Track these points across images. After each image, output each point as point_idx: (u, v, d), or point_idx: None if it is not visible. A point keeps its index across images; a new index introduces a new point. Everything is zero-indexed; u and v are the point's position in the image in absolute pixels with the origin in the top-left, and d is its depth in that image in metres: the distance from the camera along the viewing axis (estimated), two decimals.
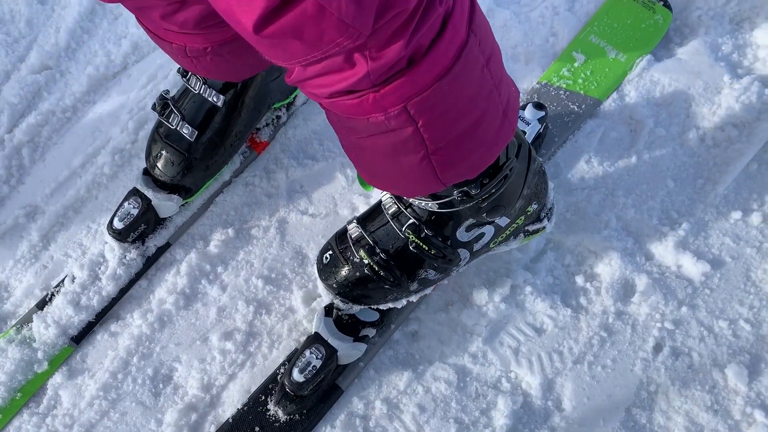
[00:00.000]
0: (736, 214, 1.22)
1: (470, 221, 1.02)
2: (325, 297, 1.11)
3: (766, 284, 1.16)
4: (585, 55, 1.40)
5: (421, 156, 0.82)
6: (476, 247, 1.07)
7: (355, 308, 1.12)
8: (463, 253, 1.06)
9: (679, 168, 1.27)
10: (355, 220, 1.08)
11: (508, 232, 1.09)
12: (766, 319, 1.14)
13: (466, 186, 0.93)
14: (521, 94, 1.38)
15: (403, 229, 1.01)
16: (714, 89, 1.34)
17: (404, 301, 1.10)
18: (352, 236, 1.06)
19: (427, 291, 1.11)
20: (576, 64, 1.39)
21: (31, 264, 1.30)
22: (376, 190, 1.06)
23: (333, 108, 0.78)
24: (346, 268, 1.06)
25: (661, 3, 1.42)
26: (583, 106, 1.34)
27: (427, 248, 1.02)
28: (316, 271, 1.10)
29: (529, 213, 1.08)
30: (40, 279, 1.28)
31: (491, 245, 1.10)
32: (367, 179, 0.94)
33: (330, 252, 1.08)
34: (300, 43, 0.66)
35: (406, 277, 1.04)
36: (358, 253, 1.05)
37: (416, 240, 1.01)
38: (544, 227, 1.14)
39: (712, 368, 1.11)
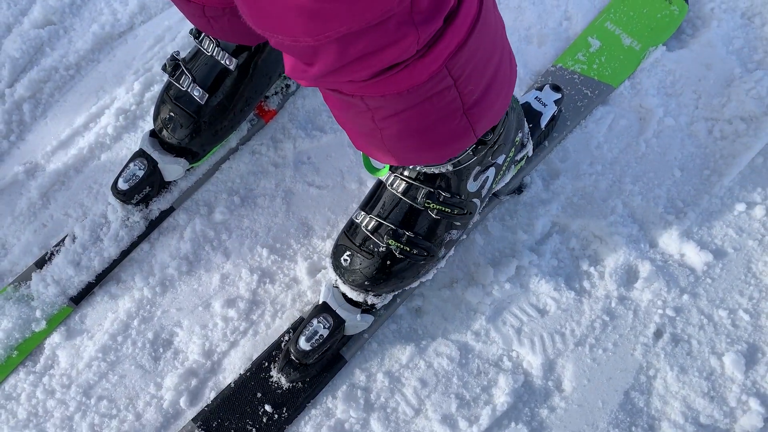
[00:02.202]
0: (740, 206, 1.23)
1: (477, 169, 1.02)
2: (356, 298, 1.08)
3: (766, 276, 1.18)
4: (600, 41, 1.40)
5: (459, 115, 0.82)
6: (483, 192, 1.08)
7: (389, 297, 1.11)
8: (476, 201, 1.07)
9: (687, 158, 1.28)
10: (362, 212, 1.05)
11: (504, 168, 1.10)
12: (765, 310, 1.16)
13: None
14: (536, 77, 1.38)
15: (420, 200, 1.01)
16: (724, 82, 1.35)
17: (434, 270, 1.11)
18: (368, 228, 1.04)
19: (451, 252, 1.12)
20: (591, 50, 1.39)
21: (29, 222, 1.27)
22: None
23: (369, 90, 0.76)
24: (373, 260, 1.04)
25: None
26: (596, 92, 1.34)
27: (449, 210, 1.03)
28: (336, 277, 1.07)
29: (516, 143, 1.10)
30: (39, 237, 1.26)
31: (493, 186, 1.11)
32: (391, 159, 0.92)
33: (348, 253, 1.05)
34: (346, 7, 0.63)
35: (435, 245, 1.05)
36: (382, 241, 1.03)
37: (437, 206, 1.01)
38: (528, 152, 1.15)
39: (710, 356, 1.13)
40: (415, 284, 1.12)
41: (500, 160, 1.07)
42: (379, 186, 1.05)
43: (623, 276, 1.19)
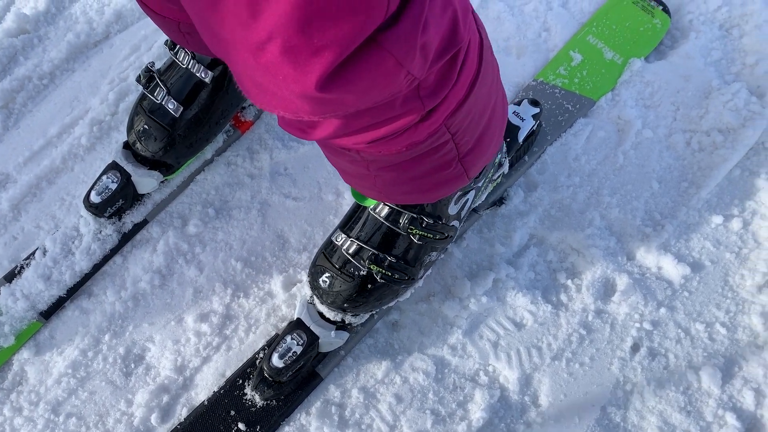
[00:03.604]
0: (718, 219, 1.23)
1: (458, 193, 1.02)
2: (333, 318, 1.07)
3: (743, 289, 1.18)
4: (582, 55, 1.39)
5: (454, 164, 0.83)
6: (463, 213, 1.08)
7: (366, 316, 1.10)
8: (456, 224, 1.07)
9: (665, 170, 1.28)
10: (342, 233, 1.04)
11: (483, 188, 1.10)
12: (742, 323, 1.15)
13: None
14: (515, 89, 1.38)
15: (402, 226, 1.00)
16: (702, 93, 1.35)
17: (412, 290, 1.10)
18: (349, 251, 1.02)
19: (429, 271, 1.11)
20: (573, 64, 1.38)
21: (0, 234, 1.25)
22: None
23: (369, 150, 0.75)
24: (353, 284, 1.02)
25: (661, 8, 1.42)
26: (578, 106, 1.34)
27: (431, 236, 1.02)
28: (315, 298, 1.07)
29: (495, 163, 1.10)
30: (9, 250, 1.24)
31: (471, 206, 1.10)
32: (381, 198, 0.92)
33: (327, 274, 1.04)
34: (356, 97, 0.61)
35: (416, 268, 1.04)
36: (364, 265, 1.02)
37: (420, 232, 1.00)
38: (504, 170, 1.15)
39: (687, 370, 1.12)
40: (392, 304, 1.11)
41: (480, 183, 1.07)
42: (359, 208, 1.04)
43: (600, 289, 1.18)
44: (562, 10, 1.44)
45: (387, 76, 0.59)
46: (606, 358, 1.14)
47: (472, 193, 1.06)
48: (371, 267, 1.01)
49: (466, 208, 1.07)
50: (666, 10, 1.42)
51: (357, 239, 1.01)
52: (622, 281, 1.18)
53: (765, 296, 1.17)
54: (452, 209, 1.03)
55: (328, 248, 1.05)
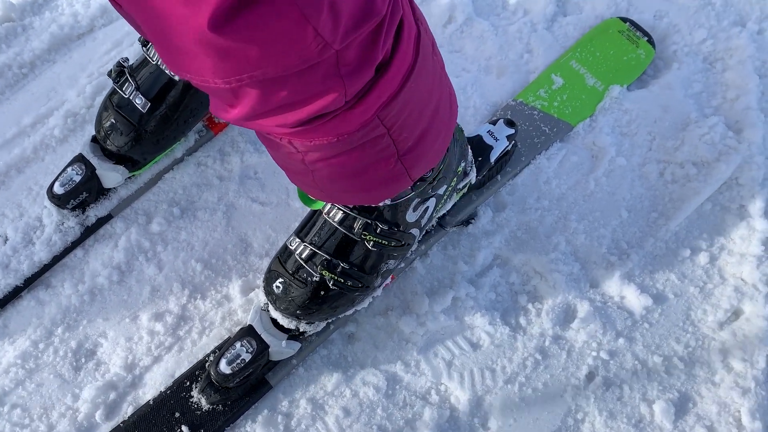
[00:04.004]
0: (685, 252, 1.22)
1: (417, 201, 1.00)
2: (287, 325, 1.06)
3: (704, 325, 1.16)
4: (563, 79, 1.38)
5: (393, 161, 0.80)
6: (423, 222, 1.06)
7: (322, 325, 1.09)
8: (415, 232, 1.05)
9: (635, 199, 1.27)
10: (297, 238, 1.03)
11: (445, 197, 1.08)
12: (700, 359, 1.14)
13: None
14: (492, 108, 1.37)
15: (356, 231, 0.98)
16: (680, 125, 1.34)
17: (370, 299, 1.09)
18: (302, 256, 1.01)
19: (388, 281, 1.10)
20: (553, 87, 1.38)
21: None
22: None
23: (297, 137, 0.73)
24: (306, 290, 1.01)
25: (646, 39, 1.42)
26: (555, 129, 1.33)
27: (386, 242, 1.00)
28: (270, 305, 1.05)
29: (459, 172, 1.08)
30: None
31: (434, 215, 1.09)
32: (324, 197, 0.90)
33: (281, 280, 1.02)
34: (259, 50, 0.58)
35: (371, 276, 1.03)
36: (316, 271, 1.00)
37: (374, 238, 0.99)
38: (470, 179, 1.13)
39: (640, 402, 1.11)
40: (349, 312, 1.10)
41: (441, 191, 1.05)
42: (315, 213, 1.03)
43: (560, 315, 1.17)
44: (547, 33, 1.44)
45: (292, 30, 0.57)
46: (560, 384, 1.12)
47: (432, 201, 1.05)
48: (323, 273, 1.00)
49: (426, 216, 1.06)
50: (651, 41, 1.42)
51: (311, 244, 1.00)
52: (582, 308, 1.17)
53: (726, 333, 1.16)
54: (410, 216, 1.02)
55: (284, 254, 1.04)
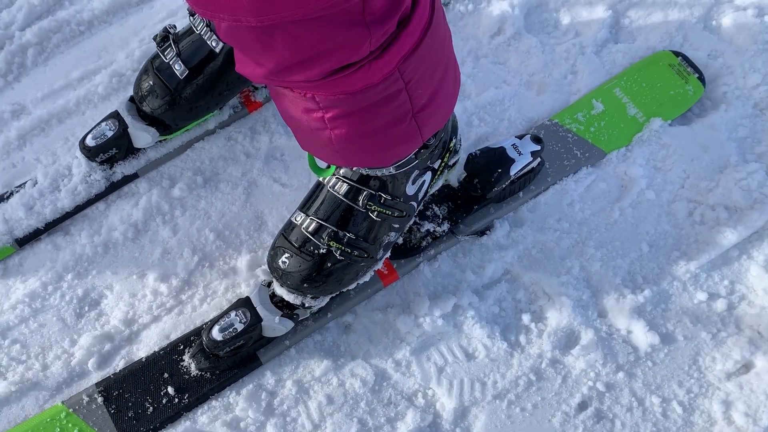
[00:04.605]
0: (702, 296, 1.18)
1: (416, 173, 1.03)
2: (293, 301, 1.07)
3: (711, 373, 1.12)
4: (604, 106, 1.36)
5: (408, 118, 0.84)
6: (420, 195, 1.08)
7: (326, 299, 1.10)
8: (413, 204, 1.07)
9: (659, 235, 1.23)
10: (301, 212, 1.04)
11: (439, 172, 1.09)
12: (701, 407, 1.09)
13: None
14: (527, 124, 1.36)
15: (361, 203, 1.00)
16: (717, 167, 1.30)
17: (371, 272, 1.11)
18: (309, 229, 1.02)
19: (387, 254, 1.11)
20: (593, 112, 1.35)
21: (1, 159, 1.30)
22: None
23: (322, 89, 0.75)
24: (312, 262, 1.02)
25: (697, 76, 1.38)
26: (587, 154, 1.31)
27: (390, 213, 1.02)
28: (269, 279, 1.07)
29: (451, 148, 1.09)
30: (6, 175, 1.29)
31: (428, 189, 1.10)
32: (337, 160, 0.92)
33: (287, 255, 1.04)
34: None
35: (374, 246, 1.05)
36: (323, 243, 1.02)
37: (378, 209, 1.01)
38: (458, 157, 1.15)
39: None
40: (352, 286, 1.10)
41: (436, 165, 1.08)
42: (318, 187, 1.04)
43: (562, 339, 1.14)
44: (594, 58, 1.41)
45: None
46: (550, 409, 1.09)
47: (428, 174, 1.06)
48: (330, 244, 1.01)
49: (423, 190, 1.08)
50: (702, 78, 1.38)
51: (317, 217, 1.02)
52: (586, 336, 1.14)
53: (732, 385, 1.11)
54: (410, 189, 1.04)
55: (288, 229, 1.05)
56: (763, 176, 1.26)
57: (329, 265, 1.03)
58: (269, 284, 1.11)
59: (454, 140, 1.10)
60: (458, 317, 1.15)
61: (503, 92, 1.37)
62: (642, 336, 1.14)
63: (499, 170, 1.16)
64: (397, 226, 1.06)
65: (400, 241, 1.18)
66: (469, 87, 1.38)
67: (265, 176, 1.28)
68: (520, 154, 1.19)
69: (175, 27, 1.21)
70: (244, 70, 0.76)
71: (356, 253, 1.03)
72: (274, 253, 1.06)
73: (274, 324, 1.07)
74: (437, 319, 1.14)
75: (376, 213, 1.01)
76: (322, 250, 1.02)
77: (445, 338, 1.14)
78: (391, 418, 1.08)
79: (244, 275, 1.18)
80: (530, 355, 1.13)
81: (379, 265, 1.11)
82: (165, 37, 1.19)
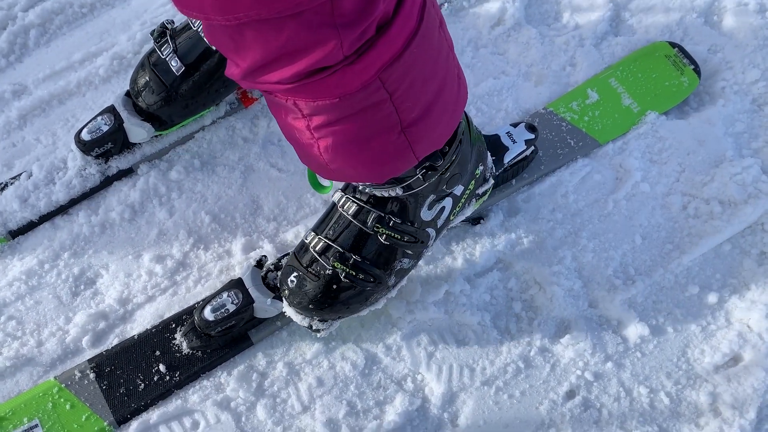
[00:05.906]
0: (694, 289, 1.18)
1: (432, 198, 1.00)
2: (301, 322, 1.06)
3: (699, 365, 1.12)
4: (599, 95, 1.36)
5: (396, 132, 0.80)
6: (440, 222, 1.05)
7: (336, 325, 1.09)
8: (430, 231, 1.04)
9: (652, 227, 1.24)
10: (312, 233, 1.03)
11: (463, 200, 1.07)
12: (688, 398, 1.10)
13: (429, 160, 0.91)
14: (523, 114, 1.36)
15: (369, 224, 0.99)
16: (713, 161, 1.30)
17: (384, 300, 1.08)
18: (316, 249, 1.01)
19: (403, 282, 1.09)
20: (587, 102, 1.36)
21: (1, 138, 1.31)
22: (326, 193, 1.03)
23: (298, 94, 0.74)
24: (319, 283, 1.01)
25: (692, 67, 1.39)
26: (580, 144, 1.31)
27: (399, 237, 1.00)
28: (283, 300, 1.06)
29: (477, 176, 1.07)
30: (6, 155, 1.30)
31: (451, 217, 1.08)
32: (330, 174, 0.90)
33: (295, 274, 1.03)
34: None
35: (384, 272, 1.02)
36: (329, 264, 1.00)
37: (386, 231, 0.99)
38: (490, 186, 1.12)
39: (617, 430, 1.08)
40: (363, 312, 1.08)
41: (458, 191, 1.04)
42: (332, 208, 1.03)
43: (552, 328, 1.15)
44: (593, 50, 1.42)
45: None
46: (537, 396, 1.10)
47: (449, 201, 1.04)
48: (335, 265, 1.00)
49: (442, 217, 1.05)
50: (697, 70, 1.38)
51: (326, 237, 1.01)
52: (576, 325, 1.14)
53: (720, 377, 1.11)
54: (426, 215, 1.02)
55: (300, 250, 1.05)
56: (758, 171, 1.26)
57: (335, 287, 1.01)
58: (261, 265, 1.12)
59: (481, 167, 1.08)
60: (449, 304, 1.16)
61: (501, 83, 1.38)
62: (632, 327, 1.15)
63: (493, 158, 1.17)
64: (410, 252, 1.03)
65: None
66: (468, 77, 1.38)
67: (262, 161, 1.29)
68: (514, 142, 1.20)
69: (172, 22, 1.22)
70: (230, 71, 0.76)
71: (361, 276, 1.01)
72: (285, 272, 1.05)
73: (266, 306, 1.08)
74: (429, 306, 1.15)
75: (384, 236, 1.00)
76: (328, 271, 1.01)
77: (435, 324, 1.15)
78: (380, 402, 1.09)
79: (239, 258, 1.20)
80: (519, 342, 1.14)
81: (393, 293, 1.08)
82: (162, 33, 1.19)
